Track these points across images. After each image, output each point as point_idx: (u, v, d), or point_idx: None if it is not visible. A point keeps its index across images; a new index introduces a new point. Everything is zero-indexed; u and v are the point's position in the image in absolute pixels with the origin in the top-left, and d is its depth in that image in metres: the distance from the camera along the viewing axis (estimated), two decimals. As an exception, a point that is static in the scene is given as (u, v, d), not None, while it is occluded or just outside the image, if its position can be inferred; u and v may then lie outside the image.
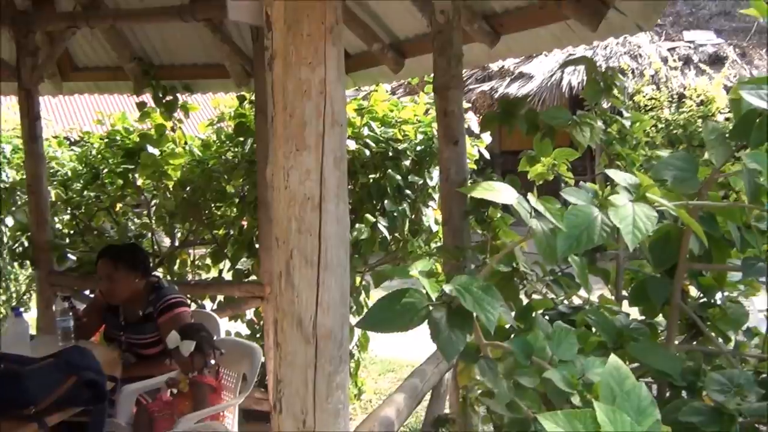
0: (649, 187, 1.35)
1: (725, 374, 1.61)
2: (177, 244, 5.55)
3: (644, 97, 10.20)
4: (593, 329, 1.84)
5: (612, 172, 1.43)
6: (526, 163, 2.98)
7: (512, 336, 1.52)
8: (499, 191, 1.37)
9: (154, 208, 5.53)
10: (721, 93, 9.91)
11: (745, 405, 1.50)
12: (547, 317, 1.99)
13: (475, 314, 1.24)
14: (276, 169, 1.41)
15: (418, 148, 5.04)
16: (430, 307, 1.28)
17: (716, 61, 11.34)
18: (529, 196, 1.35)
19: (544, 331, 1.47)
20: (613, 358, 1.10)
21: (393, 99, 5.53)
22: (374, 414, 2.07)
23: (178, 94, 5.24)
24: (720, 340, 2.03)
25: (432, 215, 5.17)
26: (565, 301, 2.49)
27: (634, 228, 1.25)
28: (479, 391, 2.82)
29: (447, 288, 1.28)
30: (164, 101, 5.19)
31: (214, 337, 3.44)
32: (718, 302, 2.11)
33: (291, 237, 1.43)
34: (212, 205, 5.43)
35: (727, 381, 1.58)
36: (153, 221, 5.51)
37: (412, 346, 6.29)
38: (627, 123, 2.74)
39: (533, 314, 1.76)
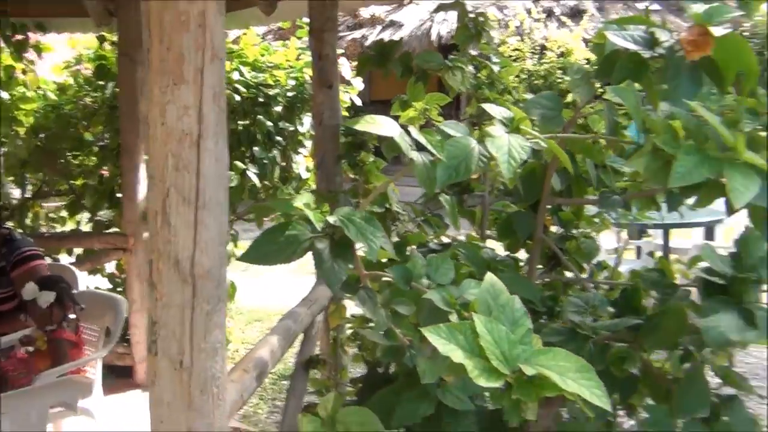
0: (522, 120, 1.43)
1: (581, 297, 1.76)
2: (29, 195, 5.22)
3: (509, 47, 10.54)
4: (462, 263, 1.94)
5: (488, 106, 1.49)
6: (399, 107, 3.03)
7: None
8: (382, 124, 1.39)
9: (3, 157, 5.15)
10: (579, 45, 10.44)
11: (599, 324, 1.65)
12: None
13: (356, 246, 1.27)
14: (152, 105, 1.36)
15: (289, 93, 4.98)
16: (314, 239, 1.30)
17: (576, 14, 11.87)
18: (411, 128, 1.39)
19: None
20: (489, 275, 1.18)
21: (264, 43, 5.40)
22: (249, 355, 2.09)
23: (30, 33, 4.87)
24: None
25: (303, 162, 5.15)
26: (435, 240, 2.61)
27: (510, 157, 1.33)
28: (349, 332, 2.91)
29: (331, 219, 1.30)
30: (14, 40, 4.80)
31: (73, 291, 3.29)
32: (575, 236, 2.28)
33: (168, 175, 1.39)
34: (69, 153, 5.13)
35: (583, 303, 1.73)
36: (2, 171, 5.14)
37: (278, 295, 6.35)
38: (496, 68, 2.84)
39: (408, 248, 1.84)
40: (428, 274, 1.47)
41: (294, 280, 7.15)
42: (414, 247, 2.14)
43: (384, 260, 1.80)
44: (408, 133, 1.39)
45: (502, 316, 1.08)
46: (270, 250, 1.32)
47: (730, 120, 1.58)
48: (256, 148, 4.84)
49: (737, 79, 1.52)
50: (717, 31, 1.41)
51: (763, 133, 1.52)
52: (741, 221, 1.72)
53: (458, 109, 10.95)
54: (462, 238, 2.61)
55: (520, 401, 0.99)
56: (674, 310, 1.61)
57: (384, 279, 1.58)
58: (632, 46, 1.52)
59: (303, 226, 1.30)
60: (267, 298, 6.71)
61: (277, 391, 4.85)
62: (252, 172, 4.75)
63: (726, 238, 6.11)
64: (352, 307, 2.79)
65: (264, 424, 4.42)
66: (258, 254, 1.35)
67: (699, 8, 1.43)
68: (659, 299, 1.78)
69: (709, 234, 5.95)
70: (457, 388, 1.52)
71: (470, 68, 2.85)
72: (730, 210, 1.49)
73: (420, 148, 1.38)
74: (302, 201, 1.30)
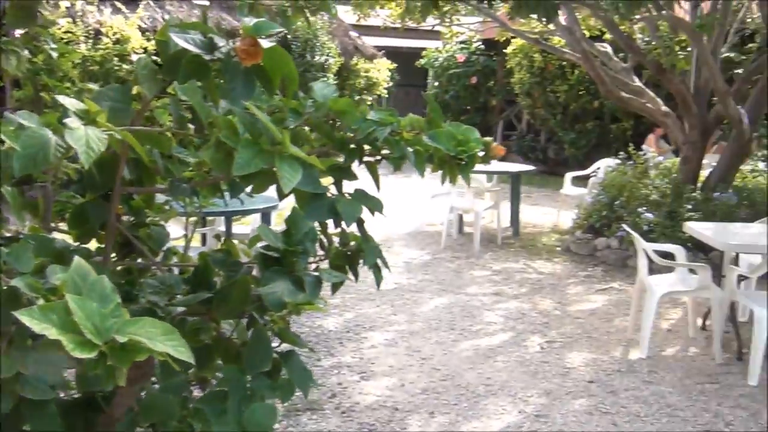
0: (98, 113, 1.48)
1: (157, 278, 1.88)
2: None
3: (60, 29, 9.92)
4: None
5: (62, 99, 1.50)
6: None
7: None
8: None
9: None
10: (136, 33, 10.34)
11: (175, 301, 1.80)
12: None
13: None
14: None
15: None
16: None
17: (131, 1, 11.71)
18: (-21, 117, 1.33)
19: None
20: (77, 259, 1.23)
21: None
22: None
23: None
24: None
25: None
26: (-4, 235, 2.44)
27: (88, 148, 1.37)
28: None
29: None
30: None
31: None
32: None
33: None
34: None
35: (160, 284, 1.86)
36: None
37: None
38: (54, 54, 2.75)
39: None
40: (9, 262, 1.43)
41: None
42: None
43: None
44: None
45: (93, 294, 1.16)
46: None
47: (278, 118, 1.87)
48: None
49: (283, 83, 1.80)
50: (265, 43, 1.65)
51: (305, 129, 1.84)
52: (291, 206, 2.04)
53: (3, 93, 9.91)
54: (26, 231, 2.49)
55: (113, 368, 1.08)
56: (240, 282, 1.85)
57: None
58: (194, 49, 1.68)
59: None
60: None
61: None
62: None
63: (279, 222, 6.83)
64: None
65: None
66: None
67: (250, 21, 1.66)
68: (226, 276, 2.00)
69: (266, 219, 6.61)
70: (37, 379, 1.51)
71: (26, 52, 2.71)
72: (281, 195, 1.78)
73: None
74: None
